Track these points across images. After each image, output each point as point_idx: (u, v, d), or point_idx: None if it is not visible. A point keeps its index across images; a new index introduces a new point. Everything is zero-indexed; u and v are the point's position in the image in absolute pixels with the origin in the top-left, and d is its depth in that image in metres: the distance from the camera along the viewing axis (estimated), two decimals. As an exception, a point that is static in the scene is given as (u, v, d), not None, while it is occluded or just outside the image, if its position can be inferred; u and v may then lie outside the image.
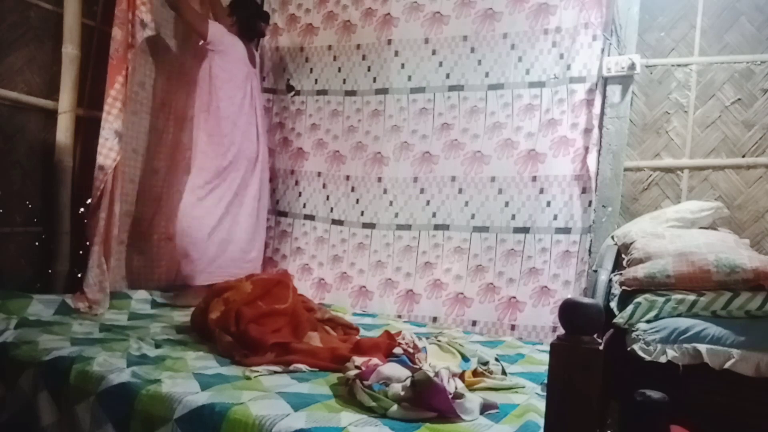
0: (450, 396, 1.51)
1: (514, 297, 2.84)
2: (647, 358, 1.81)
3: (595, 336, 1.21)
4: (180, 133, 3.10)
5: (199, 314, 2.24)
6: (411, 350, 1.98)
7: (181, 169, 3.06)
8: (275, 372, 1.83)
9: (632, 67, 2.66)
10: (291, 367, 1.87)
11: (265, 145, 3.19)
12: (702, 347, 1.77)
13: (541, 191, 2.84)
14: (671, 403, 1.51)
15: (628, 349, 1.85)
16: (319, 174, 3.37)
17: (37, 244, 2.54)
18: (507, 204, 2.91)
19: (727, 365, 1.74)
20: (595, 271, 2.46)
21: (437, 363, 1.89)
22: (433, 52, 3.10)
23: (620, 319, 1.90)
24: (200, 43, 2.95)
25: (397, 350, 1.96)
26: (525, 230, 2.87)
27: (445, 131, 3.06)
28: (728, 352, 1.75)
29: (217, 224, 2.86)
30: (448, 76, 3.07)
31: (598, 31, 2.76)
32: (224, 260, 2.89)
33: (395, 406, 1.50)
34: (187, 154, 2.99)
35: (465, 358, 2.08)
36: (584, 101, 2.78)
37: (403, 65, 3.16)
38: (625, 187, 2.77)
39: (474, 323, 2.88)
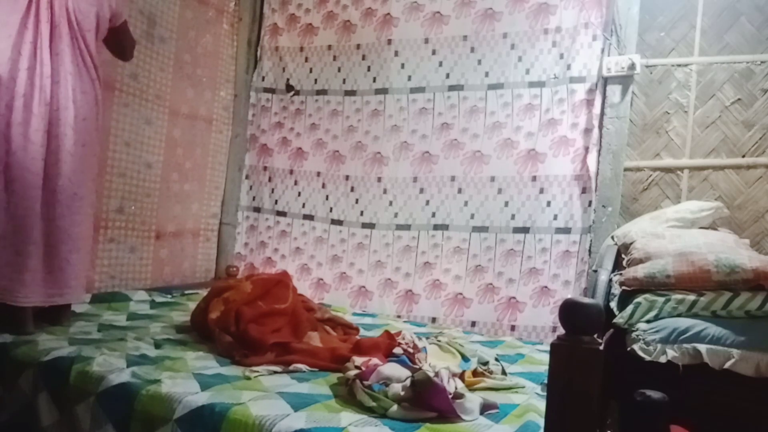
0: (450, 396, 1.51)
1: (514, 297, 2.84)
2: (647, 358, 1.80)
3: (595, 336, 1.21)
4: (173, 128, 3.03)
5: (199, 314, 2.23)
6: (411, 350, 1.98)
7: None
8: (275, 372, 1.83)
9: (632, 67, 2.66)
10: (291, 367, 1.87)
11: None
12: (702, 347, 1.77)
13: (541, 191, 2.84)
14: (671, 403, 1.51)
15: (628, 349, 1.84)
16: (318, 174, 3.36)
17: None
18: (507, 204, 2.91)
19: (727, 365, 1.74)
20: (595, 271, 2.46)
21: (437, 363, 1.89)
22: (433, 52, 3.10)
23: (620, 319, 1.90)
24: None
25: (397, 350, 1.97)
26: (525, 230, 2.87)
27: (444, 131, 3.06)
28: (728, 352, 1.75)
29: None
30: (447, 75, 3.07)
31: (598, 31, 2.76)
32: None
33: (395, 406, 1.50)
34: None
35: (465, 358, 2.08)
36: (584, 101, 2.79)
37: (403, 65, 3.16)
38: (625, 187, 2.77)
39: (473, 324, 2.88)
